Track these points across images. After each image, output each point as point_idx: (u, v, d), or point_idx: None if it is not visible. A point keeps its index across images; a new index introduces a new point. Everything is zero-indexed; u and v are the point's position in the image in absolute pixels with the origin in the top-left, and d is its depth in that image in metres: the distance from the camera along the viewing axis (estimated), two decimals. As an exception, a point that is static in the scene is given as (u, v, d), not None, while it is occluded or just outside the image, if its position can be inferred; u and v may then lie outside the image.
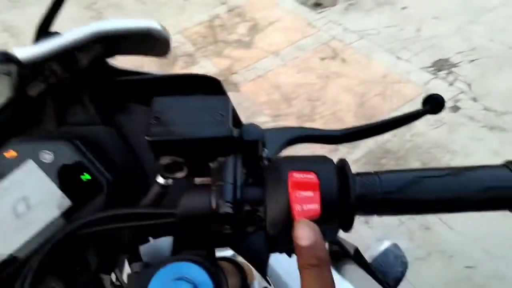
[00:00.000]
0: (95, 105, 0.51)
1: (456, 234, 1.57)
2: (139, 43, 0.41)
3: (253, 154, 0.36)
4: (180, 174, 0.37)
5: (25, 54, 0.38)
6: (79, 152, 0.46)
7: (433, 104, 0.46)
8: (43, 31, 0.51)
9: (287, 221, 0.31)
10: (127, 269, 0.67)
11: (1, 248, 0.44)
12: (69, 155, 0.46)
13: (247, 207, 0.33)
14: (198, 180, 0.39)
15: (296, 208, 0.30)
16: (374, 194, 0.33)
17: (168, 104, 0.35)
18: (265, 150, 0.38)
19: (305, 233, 0.29)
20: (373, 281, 0.60)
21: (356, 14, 2.64)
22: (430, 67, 2.22)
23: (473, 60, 2.23)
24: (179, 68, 2.31)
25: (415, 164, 1.79)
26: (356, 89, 2.14)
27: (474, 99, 2.02)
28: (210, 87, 0.50)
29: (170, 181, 0.41)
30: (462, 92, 2.05)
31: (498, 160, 0.35)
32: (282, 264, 0.53)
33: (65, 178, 0.46)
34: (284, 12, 2.70)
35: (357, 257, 0.59)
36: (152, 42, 0.41)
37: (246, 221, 0.36)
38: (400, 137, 1.90)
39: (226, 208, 0.31)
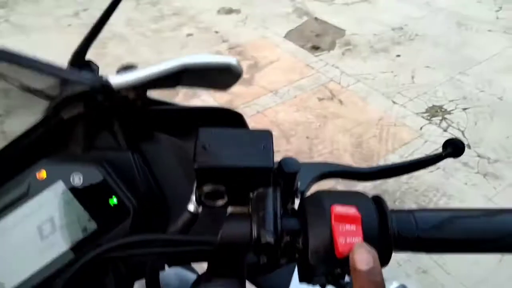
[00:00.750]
0: (124, 131, 0.52)
1: (452, 278, 1.56)
2: (213, 76, 0.43)
3: (291, 186, 0.37)
4: (220, 202, 0.37)
5: (118, 81, 0.40)
6: (109, 176, 0.46)
7: (454, 147, 0.48)
8: (78, 60, 0.52)
9: (330, 252, 0.31)
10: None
11: (22, 268, 0.43)
12: (99, 179, 0.45)
13: (287, 238, 0.33)
14: (233, 209, 0.39)
15: (340, 240, 0.31)
16: (410, 232, 0.33)
17: (214, 135, 0.37)
18: (298, 182, 0.39)
19: (364, 258, 0.29)
20: None
21: (352, 60, 2.74)
22: (424, 112, 2.29)
23: (465, 109, 2.31)
24: (179, 100, 2.33)
25: (412, 205, 1.80)
26: (353, 130, 2.18)
27: (468, 146, 2.07)
28: (232, 120, 0.52)
29: (200, 209, 0.41)
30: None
31: (492, 206, 0.36)
32: None
33: (92, 201, 0.45)
34: (284, 53, 2.79)
35: None
36: (225, 77, 0.43)
37: (283, 252, 0.35)
38: (396, 179, 1.92)
39: (268, 238, 0.31)
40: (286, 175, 0.35)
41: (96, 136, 0.50)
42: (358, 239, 0.31)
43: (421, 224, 0.34)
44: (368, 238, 0.31)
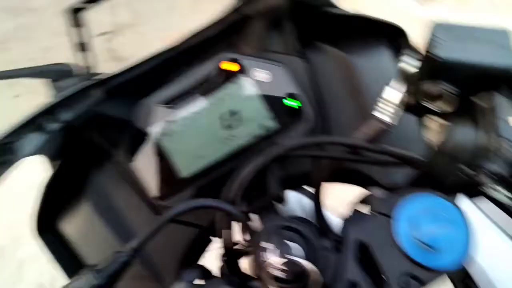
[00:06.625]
0: (295, 36, 0.49)
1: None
2: None
3: None
4: (446, 107, 0.32)
5: None
6: (294, 79, 0.44)
7: None
8: None
9: None
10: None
11: (207, 152, 0.44)
12: (286, 79, 0.44)
13: None
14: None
15: None
16: None
17: (450, 28, 0.32)
18: None
19: None
20: None
21: None
22: None
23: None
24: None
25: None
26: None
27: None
28: (393, 35, 0.49)
29: (395, 120, 0.37)
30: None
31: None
32: None
33: (276, 100, 0.45)
34: None
35: None
36: None
37: None
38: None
39: (505, 144, 0.27)
40: None
41: (268, 36, 0.49)
42: None
43: None
44: None
